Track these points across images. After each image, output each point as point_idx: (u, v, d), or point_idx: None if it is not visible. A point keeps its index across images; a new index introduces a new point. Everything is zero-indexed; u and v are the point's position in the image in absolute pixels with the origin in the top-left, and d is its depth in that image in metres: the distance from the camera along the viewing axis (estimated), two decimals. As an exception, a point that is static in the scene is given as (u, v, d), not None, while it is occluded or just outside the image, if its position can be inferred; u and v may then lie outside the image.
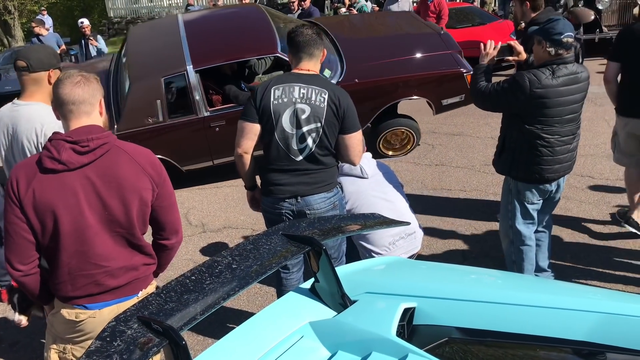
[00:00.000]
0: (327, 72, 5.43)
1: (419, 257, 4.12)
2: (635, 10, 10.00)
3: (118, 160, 2.00)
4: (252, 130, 2.72)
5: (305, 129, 2.67)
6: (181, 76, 5.25)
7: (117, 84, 5.78)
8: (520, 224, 3.30)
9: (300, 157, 2.73)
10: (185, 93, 5.30)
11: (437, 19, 9.19)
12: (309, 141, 2.70)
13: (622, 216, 4.24)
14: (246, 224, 5.02)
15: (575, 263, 3.91)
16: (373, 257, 3.39)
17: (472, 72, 3.55)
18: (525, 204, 3.25)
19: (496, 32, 10.20)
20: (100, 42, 10.28)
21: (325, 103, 2.64)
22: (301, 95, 2.65)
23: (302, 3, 9.68)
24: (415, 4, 10.84)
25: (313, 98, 2.65)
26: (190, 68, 5.22)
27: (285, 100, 2.66)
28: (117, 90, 5.66)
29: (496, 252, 3.89)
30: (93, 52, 9.86)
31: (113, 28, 20.83)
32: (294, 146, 2.71)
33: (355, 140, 2.74)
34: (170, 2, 20.44)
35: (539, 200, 3.25)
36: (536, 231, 3.43)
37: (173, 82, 5.45)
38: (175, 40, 5.60)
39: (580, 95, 3.02)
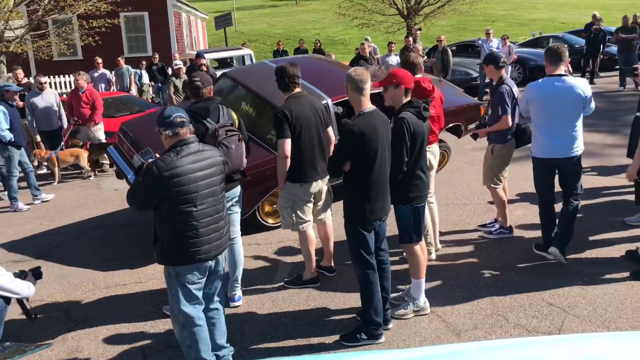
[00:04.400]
0: None
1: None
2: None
3: None
4: None
5: None
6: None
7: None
8: (187, 306, 3.27)
9: None
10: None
11: (91, 109, 8.90)
12: None
13: (291, 283, 4.66)
14: None
15: (251, 331, 4.07)
16: None
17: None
18: (187, 285, 3.25)
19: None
20: None
21: None
22: None
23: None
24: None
25: None
26: (329, 101, 5.89)
27: None
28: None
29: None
30: None
31: None
32: None
33: None
34: None
35: (200, 278, 3.29)
36: (208, 310, 3.45)
37: None
38: None
39: (213, 170, 3.23)
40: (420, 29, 17.32)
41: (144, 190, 3.12)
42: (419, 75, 4.58)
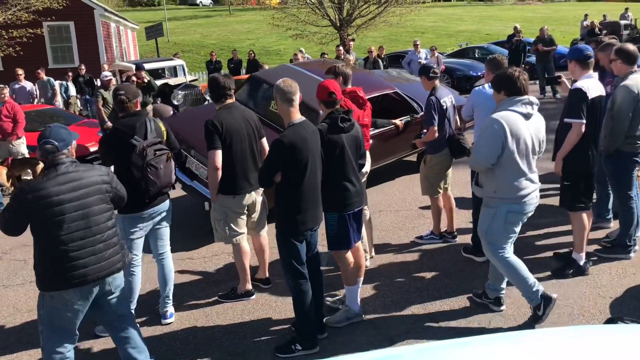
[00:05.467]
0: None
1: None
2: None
3: None
4: None
5: None
6: None
7: None
8: (50, 333, 3.16)
9: None
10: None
11: (13, 123, 8.48)
12: None
13: (226, 297, 4.59)
14: None
15: (184, 348, 3.97)
16: None
17: None
18: (59, 307, 3.11)
19: (83, 132, 10.12)
20: None
21: None
22: None
23: None
24: None
25: None
26: None
27: None
28: None
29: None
30: None
31: None
32: None
33: None
34: None
35: (80, 304, 3.13)
36: (118, 335, 3.38)
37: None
38: (316, 81, 6.23)
39: (86, 190, 3.08)
40: (353, 40, 17.64)
41: (11, 214, 3.03)
42: (349, 86, 4.67)
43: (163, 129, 4.14)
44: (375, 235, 5.77)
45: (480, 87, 4.76)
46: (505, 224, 3.80)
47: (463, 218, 5.96)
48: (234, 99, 4.38)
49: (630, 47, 4.76)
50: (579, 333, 2.50)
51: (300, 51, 13.43)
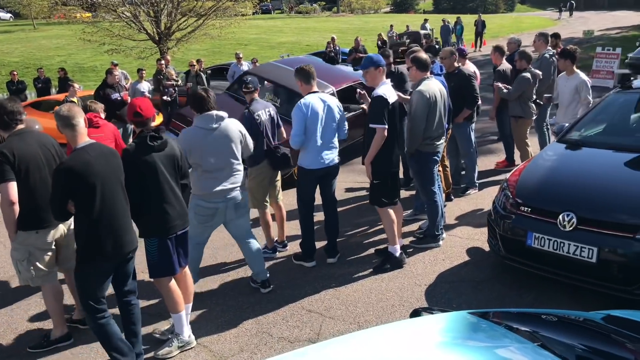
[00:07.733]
0: None
1: None
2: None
3: None
4: None
5: None
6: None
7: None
8: None
9: None
10: None
11: None
12: None
13: (38, 347, 4.10)
14: None
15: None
16: None
17: None
18: None
19: None
20: None
21: None
22: None
23: None
24: None
25: None
26: (333, 88, 7.90)
27: None
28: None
29: None
30: None
31: None
32: None
33: None
34: None
35: None
36: None
37: None
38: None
39: None
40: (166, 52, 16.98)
41: None
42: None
43: None
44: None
45: (304, 99, 4.81)
46: (196, 215, 4.26)
47: (293, 226, 6.06)
48: (25, 124, 3.92)
49: (423, 55, 5.24)
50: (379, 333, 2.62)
51: (115, 65, 12.64)
